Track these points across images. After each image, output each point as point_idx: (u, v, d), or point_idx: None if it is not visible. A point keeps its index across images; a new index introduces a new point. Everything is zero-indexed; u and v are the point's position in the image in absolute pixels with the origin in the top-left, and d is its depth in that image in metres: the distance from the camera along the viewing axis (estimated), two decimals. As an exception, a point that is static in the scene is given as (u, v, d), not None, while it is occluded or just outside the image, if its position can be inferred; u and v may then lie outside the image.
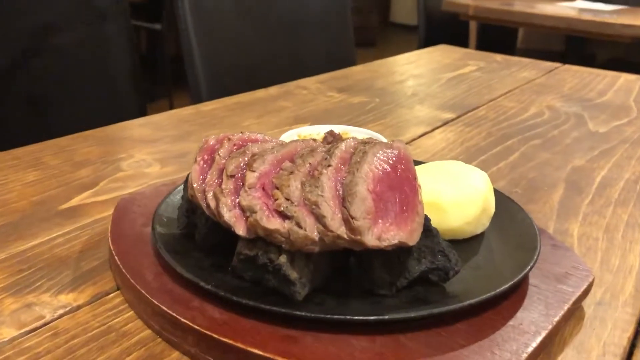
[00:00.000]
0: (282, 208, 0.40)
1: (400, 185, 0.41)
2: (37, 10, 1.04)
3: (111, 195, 0.64)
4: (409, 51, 1.55)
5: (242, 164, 0.43)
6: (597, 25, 2.55)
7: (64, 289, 0.48)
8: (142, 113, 1.16)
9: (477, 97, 1.14)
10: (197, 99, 1.23)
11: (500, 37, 3.40)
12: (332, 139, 0.55)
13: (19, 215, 0.59)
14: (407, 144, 0.86)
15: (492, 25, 3.11)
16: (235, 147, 0.46)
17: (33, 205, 0.61)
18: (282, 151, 0.44)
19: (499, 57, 1.54)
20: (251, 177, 0.42)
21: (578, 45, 3.32)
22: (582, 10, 2.94)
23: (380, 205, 0.40)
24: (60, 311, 0.45)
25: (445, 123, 0.96)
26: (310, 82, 1.17)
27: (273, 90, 1.10)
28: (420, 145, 0.86)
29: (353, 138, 0.44)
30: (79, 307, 0.45)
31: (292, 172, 0.41)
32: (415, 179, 0.43)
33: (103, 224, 0.58)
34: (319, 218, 0.39)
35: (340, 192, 0.40)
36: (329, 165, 0.41)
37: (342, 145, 0.43)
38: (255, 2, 1.38)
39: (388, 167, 0.41)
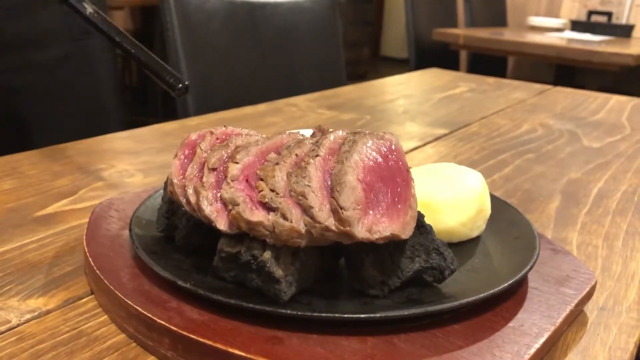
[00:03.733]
0: (266, 199, 0.37)
1: (392, 176, 0.39)
2: (19, 26, 1.01)
3: (90, 203, 0.61)
4: None
5: (224, 157, 0.41)
6: (586, 54, 2.56)
7: (34, 294, 0.45)
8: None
9: (469, 115, 1.12)
10: (184, 114, 1.21)
11: (490, 67, 3.42)
12: (321, 135, 0.52)
13: (-10, 221, 0.56)
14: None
15: (482, 55, 3.13)
16: (218, 141, 0.43)
17: (7, 212, 0.58)
18: (267, 143, 0.41)
19: (490, 79, 1.53)
20: (234, 169, 0.39)
21: (567, 75, 3.34)
22: (570, 40, 2.97)
23: (370, 195, 0.37)
24: (28, 316, 0.42)
25: (437, 138, 0.95)
26: (300, 100, 1.15)
27: (261, 107, 1.08)
28: (412, 158, 0.84)
29: (342, 130, 0.42)
30: (48, 312, 0.42)
31: (277, 164, 0.39)
32: (407, 170, 0.40)
33: (79, 230, 0.55)
34: (306, 209, 0.36)
35: (329, 182, 0.37)
36: (317, 156, 0.39)
37: (331, 136, 0.40)
38: (245, 23, 1.37)
39: (379, 157, 0.39)
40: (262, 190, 0.38)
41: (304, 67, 1.48)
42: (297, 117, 1.03)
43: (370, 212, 0.37)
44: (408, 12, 2.88)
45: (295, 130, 0.60)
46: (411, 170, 0.51)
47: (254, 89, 1.35)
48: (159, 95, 3.77)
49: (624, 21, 3.53)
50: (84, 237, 0.48)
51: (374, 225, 0.36)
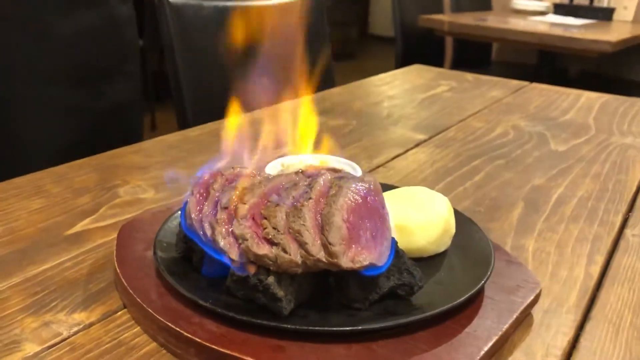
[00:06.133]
0: (270, 236, 0.47)
1: (370, 215, 0.48)
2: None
3: (111, 221, 0.70)
4: (388, 62, 1.63)
5: (234, 197, 0.50)
6: (566, 41, 2.65)
7: (77, 309, 0.54)
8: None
9: (447, 117, 1.21)
10: (183, 121, 1.29)
11: (475, 50, 3.51)
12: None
13: (28, 241, 0.65)
14: (381, 165, 0.93)
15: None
16: (227, 182, 0.52)
17: (40, 232, 0.67)
18: (268, 185, 0.51)
19: (470, 76, 1.62)
20: (242, 209, 0.48)
21: (550, 58, 3.43)
22: (552, 25, 3.05)
23: (353, 232, 0.46)
24: (75, 328, 0.51)
25: (417, 145, 1.04)
26: (291, 105, 1.23)
27: (256, 114, 1.17)
28: (393, 167, 0.93)
29: (330, 173, 0.51)
30: (91, 325, 0.52)
31: (278, 205, 0.48)
32: (383, 207, 0.50)
33: (106, 248, 0.64)
34: (302, 244, 0.46)
35: (320, 221, 0.47)
36: (310, 198, 0.48)
37: (321, 180, 0.49)
38: (239, 27, 1.45)
39: (360, 199, 0.48)
40: (266, 228, 0.47)
41: (295, 68, 1.56)
42: (290, 124, 1.12)
43: (353, 246, 0.46)
44: (394, -1, 2.94)
45: (291, 163, 0.69)
46: (388, 193, 0.61)
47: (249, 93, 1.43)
48: (149, 78, 3.83)
49: (605, 4, 3.61)
50: (115, 258, 0.57)
51: (356, 257, 0.46)
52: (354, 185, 0.49)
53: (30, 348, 0.48)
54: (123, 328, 0.51)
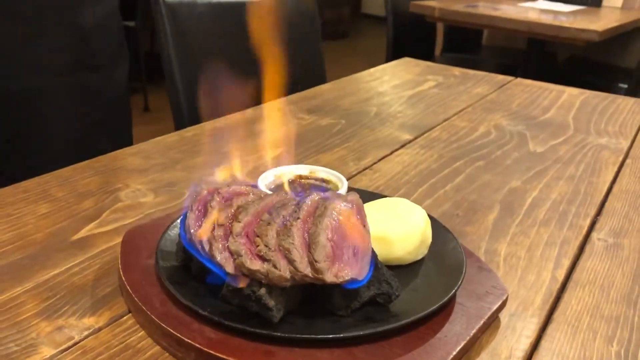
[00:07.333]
0: (262, 253, 0.52)
1: (352, 233, 0.53)
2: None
3: (114, 226, 0.75)
4: (380, 41, 1.67)
5: (229, 215, 0.55)
6: (555, 29, 2.70)
7: (86, 313, 0.59)
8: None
9: (433, 116, 1.26)
10: (178, 119, 1.34)
11: (466, 34, 3.55)
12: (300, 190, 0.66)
13: (37, 246, 0.70)
14: (368, 168, 0.98)
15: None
16: (224, 199, 0.58)
17: (48, 237, 0.72)
18: (261, 204, 0.56)
19: (457, 70, 1.67)
20: (237, 227, 0.54)
21: (539, 43, 3.47)
22: (542, 11, 3.09)
23: (337, 250, 0.52)
24: (86, 332, 0.56)
25: (403, 145, 1.09)
26: (282, 103, 1.28)
27: (249, 113, 1.22)
28: (379, 169, 0.98)
29: (317, 193, 0.56)
30: (100, 329, 0.57)
31: (269, 223, 0.53)
32: (364, 225, 0.55)
33: (110, 253, 0.69)
34: (290, 261, 0.51)
35: (307, 240, 0.52)
36: (298, 218, 0.53)
37: (308, 201, 0.55)
38: (234, 25, 1.49)
39: (343, 219, 0.53)
40: (258, 245, 0.52)
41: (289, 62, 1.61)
42: (281, 123, 1.17)
43: (337, 263, 0.52)
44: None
45: (282, 173, 0.74)
46: (370, 204, 0.66)
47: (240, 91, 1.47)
48: (142, 59, 3.84)
49: (594, -11, 3.64)
50: (119, 265, 0.63)
51: (339, 272, 0.51)
52: (338, 206, 0.54)
53: (47, 351, 0.54)
54: (129, 332, 0.57)
